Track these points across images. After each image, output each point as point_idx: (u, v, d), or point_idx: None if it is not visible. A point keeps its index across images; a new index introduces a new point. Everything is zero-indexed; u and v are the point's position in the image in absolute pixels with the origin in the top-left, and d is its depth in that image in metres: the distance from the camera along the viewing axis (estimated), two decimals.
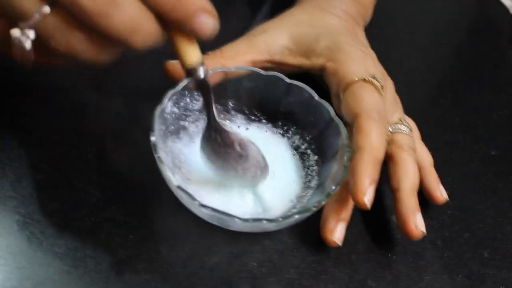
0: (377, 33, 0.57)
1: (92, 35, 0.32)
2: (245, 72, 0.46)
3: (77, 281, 0.39)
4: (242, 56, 0.48)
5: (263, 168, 0.43)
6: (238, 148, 0.42)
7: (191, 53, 0.36)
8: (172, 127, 0.44)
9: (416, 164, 0.45)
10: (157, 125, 0.40)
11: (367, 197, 0.39)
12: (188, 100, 0.45)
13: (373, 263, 0.44)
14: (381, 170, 0.41)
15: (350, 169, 0.41)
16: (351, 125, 0.44)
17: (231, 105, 0.48)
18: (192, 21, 0.33)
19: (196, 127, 0.47)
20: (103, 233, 0.42)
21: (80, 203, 0.43)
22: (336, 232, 0.42)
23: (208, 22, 0.33)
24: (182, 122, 0.46)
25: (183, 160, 0.45)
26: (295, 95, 0.46)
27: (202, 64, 0.37)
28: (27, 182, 0.43)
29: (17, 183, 0.43)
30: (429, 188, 0.47)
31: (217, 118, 0.41)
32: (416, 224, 0.43)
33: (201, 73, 0.37)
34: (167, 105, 0.42)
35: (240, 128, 0.49)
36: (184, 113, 0.46)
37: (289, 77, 0.46)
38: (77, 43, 0.32)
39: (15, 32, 0.32)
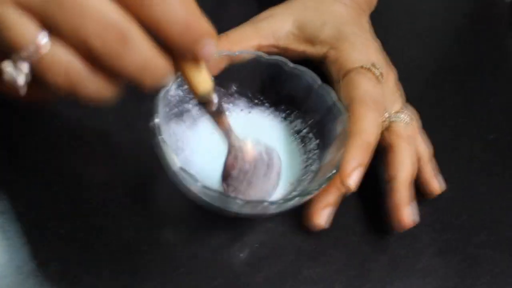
0: (376, 19, 0.57)
1: (97, 71, 0.28)
2: (249, 56, 0.46)
3: (85, 261, 0.40)
4: (247, 40, 0.49)
5: (281, 170, 0.44)
6: (265, 156, 0.42)
7: (202, 81, 0.34)
8: (176, 109, 0.45)
9: (414, 154, 0.46)
10: (161, 107, 0.41)
11: (352, 179, 0.40)
12: None
13: (371, 245, 0.45)
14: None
15: None
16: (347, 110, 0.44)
17: (235, 88, 0.48)
18: (198, 47, 0.29)
19: (200, 110, 0.47)
20: (109, 215, 0.43)
21: (85, 185, 0.44)
22: (322, 215, 0.43)
23: (212, 46, 0.30)
24: (186, 105, 0.46)
25: (185, 143, 0.46)
26: (298, 80, 0.47)
27: (214, 91, 0.35)
28: (29, 165, 0.44)
29: (19, 167, 0.44)
30: (426, 179, 0.48)
31: (235, 137, 0.40)
32: (408, 214, 0.43)
33: (214, 99, 0.35)
34: (172, 87, 0.43)
35: (243, 112, 0.49)
36: (188, 95, 0.46)
37: (293, 62, 0.46)
38: (78, 79, 0.28)
39: (7, 65, 0.27)
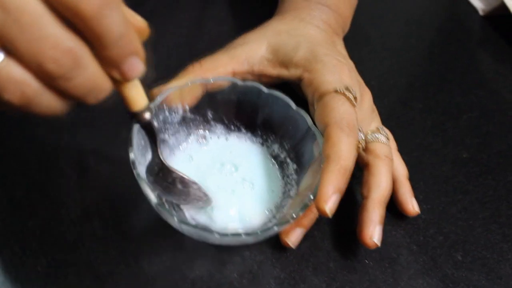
0: (349, 36, 0.57)
1: (49, 89, 0.29)
2: (224, 83, 0.46)
3: None
4: (222, 67, 0.49)
5: (205, 201, 0.44)
6: (179, 185, 0.43)
7: (137, 100, 0.35)
8: None
9: (390, 175, 0.46)
10: (136, 140, 0.40)
11: (329, 206, 0.40)
12: (167, 113, 0.45)
13: (351, 270, 0.45)
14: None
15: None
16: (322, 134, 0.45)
17: (210, 115, 0.48)
18: (124, 63, 0.31)
19: (176, 139, 0.47)
20: (84, 248, 0.42)
21: (60, 219, 0.43)
22: (292, 234, 0.44)
23: (138, 64, 0.31)
24: (162, 135, 0.46)
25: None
26: (273, 105, 0.47)
27: (148, 108, 0.36)
28: (6, 200, 0.43)
29: None
30: (402, 200, 0.48)
31: (161, 156, 0.41)
32: (372, 235, 0.43)
33: (147, 117, 0.36)
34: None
35: (220, 139, 0.49)
36: (164, 126, 0.46)
37: (269, 86, 0.46)
38: (31, 96, 0.29)
39: None
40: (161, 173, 0.42)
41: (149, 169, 0.42)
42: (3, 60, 0.27)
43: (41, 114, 0.30)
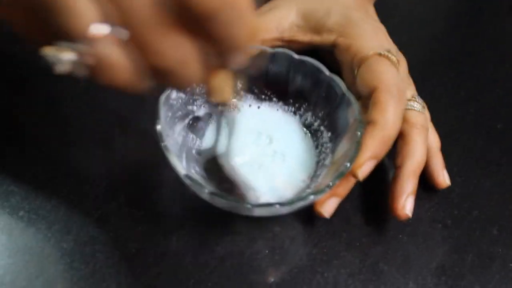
0: (377, 5, 0.55)
1: (141, 68, 0.28)
2: (253, 51, 0.45)
3: (88, 277, 0.39)
4: None
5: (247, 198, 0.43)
6: (228, 182, 0.42)
7: (226, 90, 0.34)
8: (180, 113, 0.43)
9: (425, 145, 0.44)
10: (163, 112, 0.39)
11: (362, 170, 0.39)
12: (194, 84, 0.44)
13: (384, 245, 0.43)
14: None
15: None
16: (366, 99, 0.43)
17: (240, 85, 0.47)
18: (230, 57, 0.29)
19: (205, 109, 0.46)
20: (111, 226, 0.41)
21: (85, 195, 0.42)
22: (326, 204, 0.42)
23: (241, 58, 0.30)
24: (190, 107, 0.45)
25: (194, 143, 0.45)
26: (305, 72, 0.45)
27: (234, 99, 0.36)
28: (29, 176, 0.42)
29: (19, 177, 0.42)
30: (433, 172, 0.46)
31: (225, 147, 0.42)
32: (404, 206, 0.42)
33: (230, 107, 0.37)
34: (173, 91, 0.41)
35: (252, 107, 0.48)
36: (192, 97, 0.44)
37: (298, 53, 0.45)
38: (126, 78, 0.27)
39: (50, 52, 0.25)
40: (216, 164, 0.42)
41: (204, 152, 0.42)
42: (106, 33, 0.25)
43: (127, 90, 0.28)
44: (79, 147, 0.45)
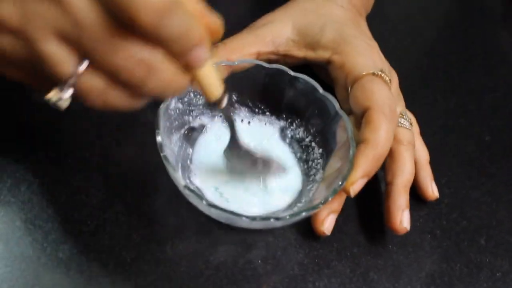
0: (369, 16, 0.56)
1: (126, 91, 0.31)
2: (248, 65, 0.45)
3: (84, 286, 0.39)
4: (247, 48, 0.48)
5: (281, 170, 0.45)
6: (259, 166, 0.45)
7: (213, 89, 0.36)
8: (177, 123, 0.44)
9: (413, 160, 0.45)
10: (162, 123, 0.40)
11: (354, 187, 0.40)
12: (191, 95, 0.45)
13: (374, 255, 0.44)
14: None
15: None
16: (358, 116, 0.44)
17: (235, 98, 0.47)
18: (189, 55, 0.31)
19: (200, 121, 0.47)
20: (106, 234, 0.42)
21: (81, 205, 0.43)
22: (326, 222, 0.43)
23: (203, 54, 0.31)
24: (186, 117, 0.45)
25: (189, 155, 0.45)
26: (299, 88, 0.46)
27: (225, 92, 0.37)
28: (25, 186, 0.43)
29: (15, 187, 0.43)
30: (422, 184, 0.48)
31: (239, 138, 0.43)
32: (401, 220, 0.43)
33: (225, 101, 0.37)
34: (171, 101, 0.42)
35: (243, 122, 0.48)
36: (188, 108, 0.45)
37: (293, 68, 0.46)
38: (112, 100, 0.31)
39: (52, 96, 0.30)
40: (242, 154, 0.44)
41: (227, 151, 0.43)
42: (85, 69, 0.29)
43: (118, 110, 0.32)
44: (75, 157, 0.45)
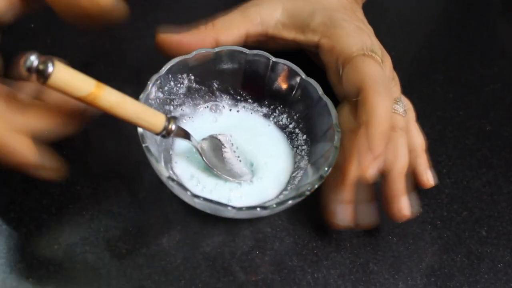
0: (366, 8, 0.55)
1: None
2: (228, 51, 0.45)
3: (80, 278, 0.39)
4: (235, 28, 0.47)
5: (246, 175, 0.45)
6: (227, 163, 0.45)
7: (155, 123, 0.37)
8: None
9: (406, 146, 0.44)
10: None
11: (370, 172, 0.39)
12: (172, 84, 0.44)
13: (374, 246, 0.44)
14: None
15: (350, 146, 0.41)
16: (352, 101, 0.43)
17: (216, 85, 0.47)
18: None
19: (182, 111, 0.46)
20: (102, 227, 0.41)
21: (75, 197, 0.42)
22: (337, 214, 0.42)
23: None
24: (167, 107, 0.45)
25: (173, 145, 0.45)
26: (281, 74, 0.46)
27: (168, 120, 0.38)
28: (19, 178, 0.42)
29: (9, 179, 0.42)
30: (417, 172, 0.46)
31: (197, 144, 0.43)
32: (400, 208, 0.42)
33: (173, 128, 0.38)
34: (151, 90, 0.42)
35: (232, 111, 0.48)
36: (169, 97, 0.45)
37: (276, 54, 0.45)
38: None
39: None
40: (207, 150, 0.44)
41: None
42: None
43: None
44: (69, 148, 0.44)
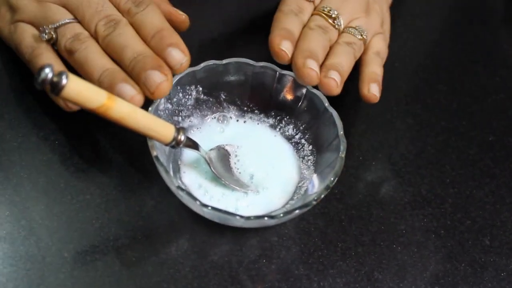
0: None
1: None
2: (236, 63, 0.46)
3: (89, 285, 0.39)
4: None
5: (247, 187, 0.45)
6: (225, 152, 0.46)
7: (165, 133, 0.38)
8: None
9: (352, 57, 0.48)
10: None
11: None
12: (180, 95, 0.45)
13: (379, 255, 0.44)
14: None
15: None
16: None
17: (223, 97, 0.48)
18: (165, 52, 0.41)
19: (190, 122, 0.47)
20: (111, 235, 0.42)
21: (85, 205, 0.43)
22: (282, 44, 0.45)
23: (177, 55, 0.41)
24: (175, 118, 0.46)
25: (181, 156, 0.46)
26: (287, 85, 0.47)
27: (178, 131, 0.39)
28: (30, 186, 0.43)
29: (20, 187, 0.43)
30: (359, 82, 0.49)
31: (205, 154, 0.44)
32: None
33: (182, 138, 0.39)
34: (161, 101, 0.43)
35: (234, 121, 0.49)
36: (177, 108, 0.46)
37: (281, 68, 0.46)
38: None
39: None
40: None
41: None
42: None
43: None
44: (79, 157, 0.45)
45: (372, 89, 0.48)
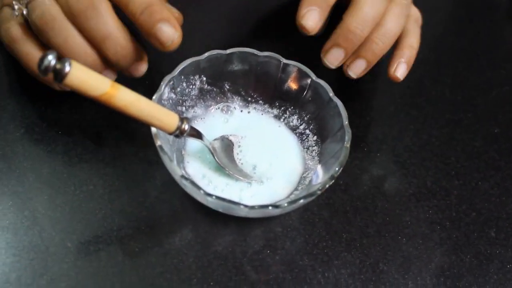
0: None
1: None
2: (240, 53, 0.46)
3: (92, 275, 0.39)
4: None
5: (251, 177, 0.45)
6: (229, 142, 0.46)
7: (169, 122, 0.38)
8: None
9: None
10: None
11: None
12: (184, 85, 0.45)
13: (384, 246, 0.44)
14: None
15: None
16: None
17: (227, 87, 0.47)
18: (155, 27, 0.39)
19: (194, 112, 0.47)
20: (115, 225, 0.41)
21: (89, 195, 0.43)
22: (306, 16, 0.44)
23: (168, 31, 0.39)
24: (179, 108, 0.45)
25: (185, 146, 0.46)
26: (292, 75, 0.46)
27: (182, 120, 0.38)
28: (33, 177, 0.43)
29: (24, 177, 0.43)
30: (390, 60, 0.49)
31: (209, 144, 0.44)
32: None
33: (186, 128, 0.39)
34: (164, 91, 0.42)
35: (243, 113, 0.48)
36: (181, 98, 0.45)
37: (286, 57, 0.46)
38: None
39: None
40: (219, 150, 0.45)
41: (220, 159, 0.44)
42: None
43: None
44: (82, 148, 0.45)
45: (399, 71, 0.47)
